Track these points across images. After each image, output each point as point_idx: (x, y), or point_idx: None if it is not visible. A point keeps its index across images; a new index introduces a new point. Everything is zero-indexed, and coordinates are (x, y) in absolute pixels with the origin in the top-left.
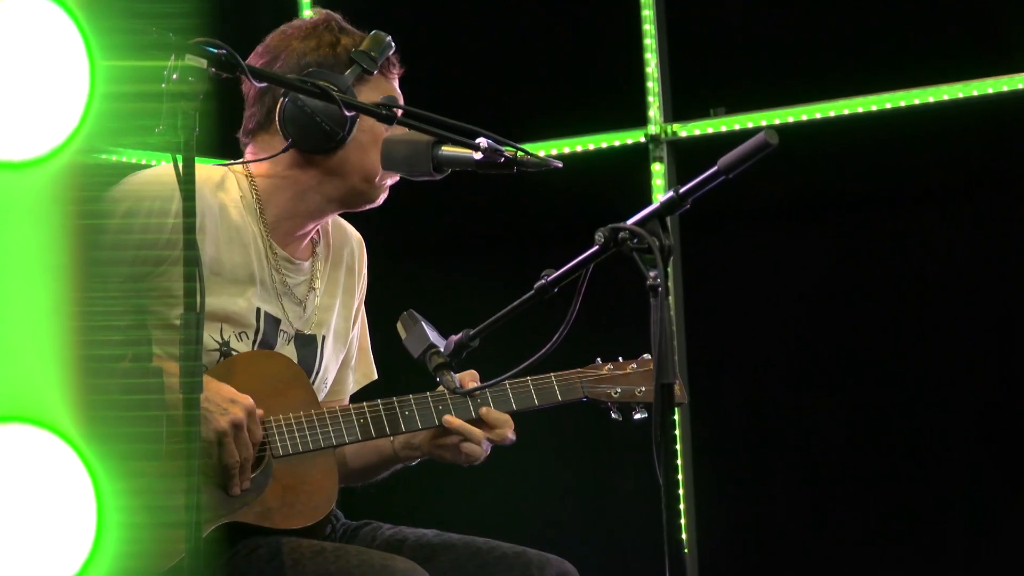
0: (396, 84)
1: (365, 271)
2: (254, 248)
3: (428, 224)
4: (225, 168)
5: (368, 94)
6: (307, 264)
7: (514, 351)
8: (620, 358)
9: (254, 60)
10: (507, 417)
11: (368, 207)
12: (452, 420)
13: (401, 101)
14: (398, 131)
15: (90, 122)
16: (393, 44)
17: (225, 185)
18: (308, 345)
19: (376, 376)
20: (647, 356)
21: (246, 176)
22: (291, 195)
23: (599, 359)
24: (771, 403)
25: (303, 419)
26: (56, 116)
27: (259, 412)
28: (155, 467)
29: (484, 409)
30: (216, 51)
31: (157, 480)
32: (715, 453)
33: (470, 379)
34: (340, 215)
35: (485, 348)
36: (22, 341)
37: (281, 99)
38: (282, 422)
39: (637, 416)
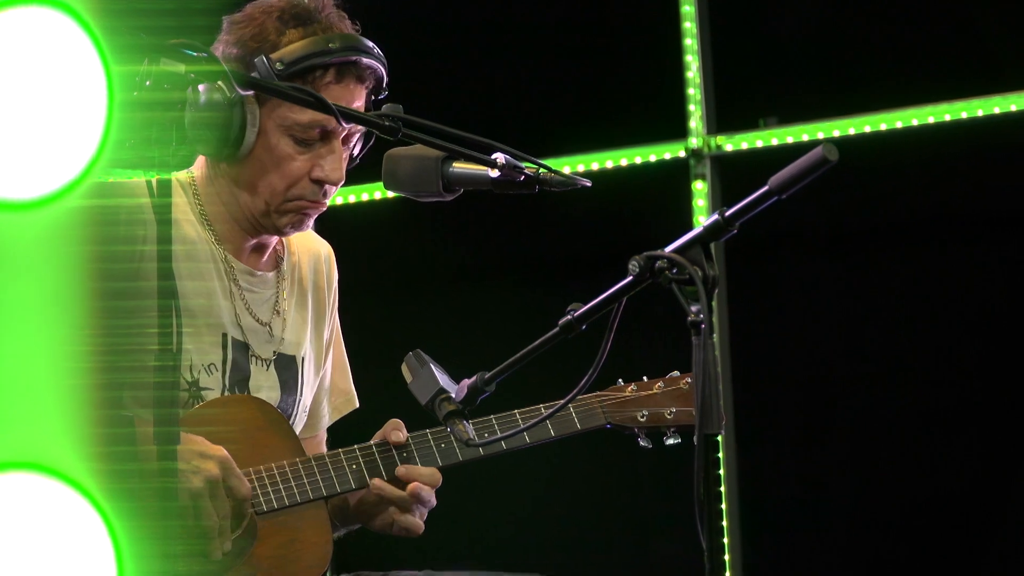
0: (348, 100)
1: (336, 286)
2: (212, 265)
3: (437, 251)
4: (174, 179)
5: (281, 112)
6: (271, 277)
7: (530, 392)
8: (644, 377)
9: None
10: (428, 470)
11: (280, 235)
12: (381, 485)
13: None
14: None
15: (109, 149)
16: (336, 54)
17: (176, 200)
18: (288, 367)
19: (357, 404)
20: (676, 373)
21: (190, 182)
22: (222, 203)
23: (620, 380)
24: (830, 455)
25: (287, 469)
26: (69, 146)
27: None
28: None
29: (401, 468)
30: (195, 54)
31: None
32: (766, 512)
33: (391, 428)
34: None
35: (499, 390)
36: (29, 385)
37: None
38: (263, 474)
39: (669, 442)
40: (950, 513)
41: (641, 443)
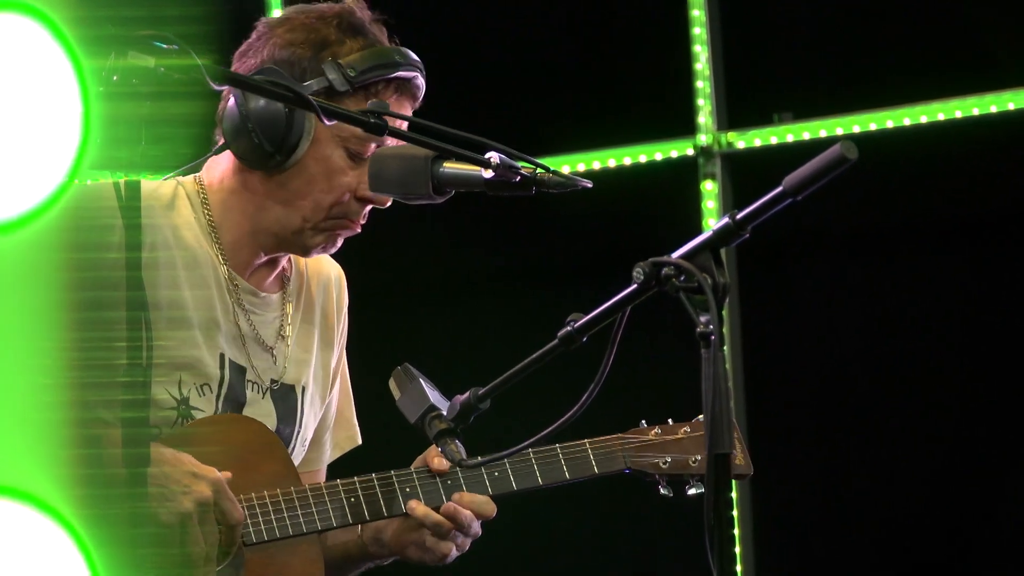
0: (391, 122)
1: (346, 315)
2: (214, 279)
3: (425, 257)
4: (175, 182)
5: (339, 125)
6: (276, 298)
7: (531, 413)
8: (670, 420)
9: (240, 52)
10: (483, 499)
11: (306, 255)
12: (416, 507)
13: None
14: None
15: (88, 154)
16: (398, 69)
17: (176, 204)
18: (287, 398)
19: (360, 441)
20: (702, 419)
21: (197, 190)
22: (242, 216)
23: (644, 421)
24: (851, 477)
25: (280, 498)
26: (45, 155)
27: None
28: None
29: (455, 495)
30: (166, 46)
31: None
32: (782, 539)
33: (434, 454)
34: None
35: (496, 407)
36: (6, 409)
37: (229, 95)
38: (255, 502)
39: (691, 492)
40: (978, 541)
41: (661, 491)
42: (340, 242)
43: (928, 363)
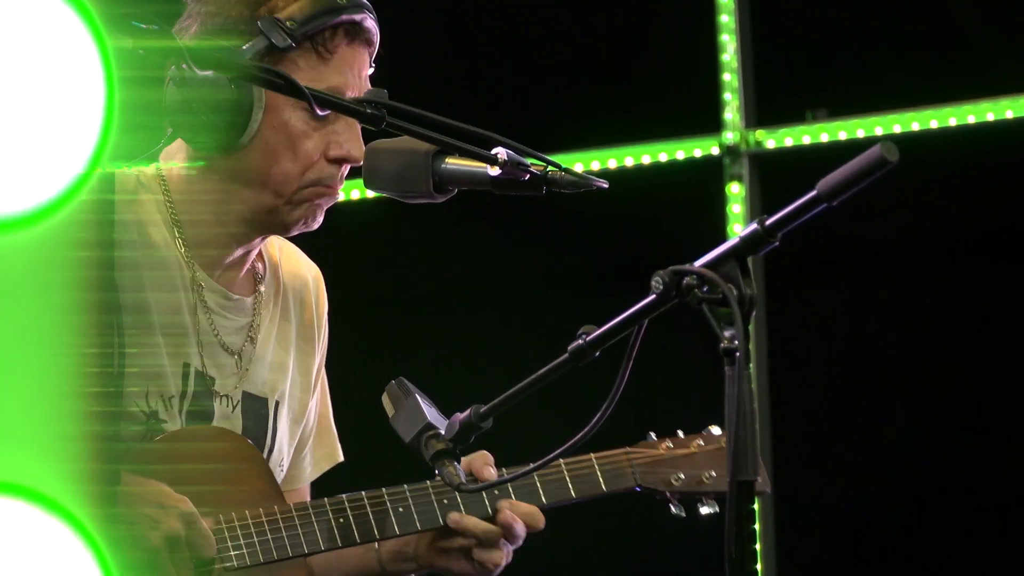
0: (351, 65)
1: (326, 319)
2: (179, 278)
3: (424, 261)
4: (134, 171)
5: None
6: (248, 301)
7: (536, 433)
8: (680, 432)
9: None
10: (534, 510)
11: (287, 233)
12: (461, 519)
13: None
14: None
15: (112, 138)
16: (340, 12)
17: (140, 197)
18: (257, 412)
19: (342, 458)
20: (715, 430)
21: (160, 184)
22: (208, 206)
23: (652, 434)
24: (884, 509)
25: (264, 519)
26: (65, 141)
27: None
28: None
29: (505, 503)
30: (144, 26)
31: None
32: (807, 562)
33: (482, 463)
34: (292, 241)
35: (499, 425)
36: (18, 408)
37: (168, 79)
38: (236, 523)
39: (705, 511)
40: (1015, 566)
41: (673, 510)
42: (321, 214)
43: (967, 382)
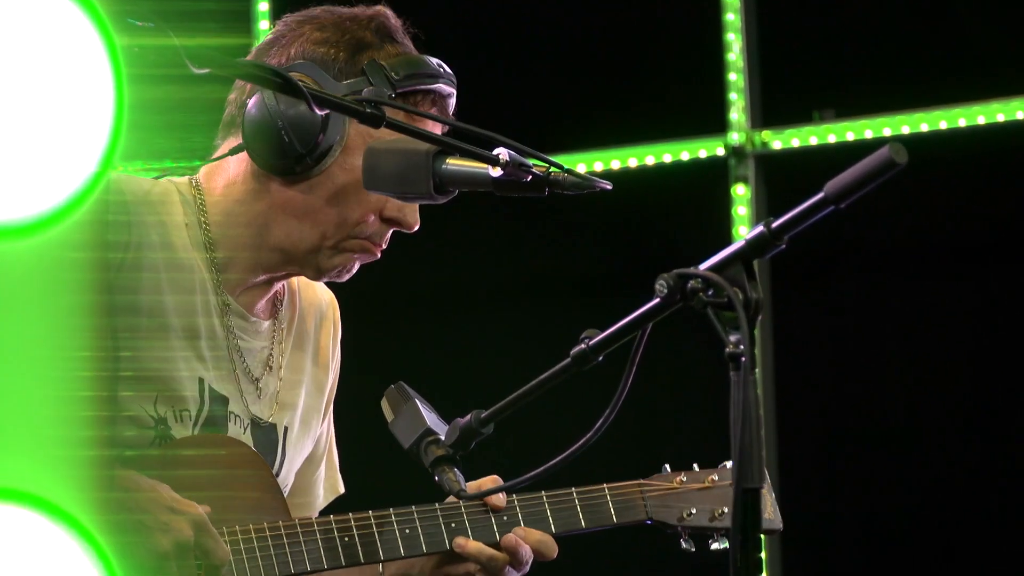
0: (428, 125)
1: (339, 347)
2: (200, 295)
3: (424, 264)
4: (168, 182)
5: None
6: (267, 325)
7: (538, 440)
8: (695, 465)
9: (262, 43)
10: (548, 538)
11: (317, 278)
12: (466, 544)
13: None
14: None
15: (121, 139)
16: (440, 79)
17: (167, 204)
18: (266, 437)
19: (343, 489)
20: (731, 450)
21: (193, 194)
22: (247, 228)
23: (667, 466)
24: (889, 514)
25: (267, 532)
26: (73, 143)
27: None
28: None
29: (519, 530)
30: (140, 24)
31: None
32: None
33: (491, 484)
34: None
35: (500, 433)
36: (20, 413)
37: (257, 93)
38: (238, 534)
39: (715, 546)
40: None
41: (683, 545)
42: (355, 269)
43: (978, 387)
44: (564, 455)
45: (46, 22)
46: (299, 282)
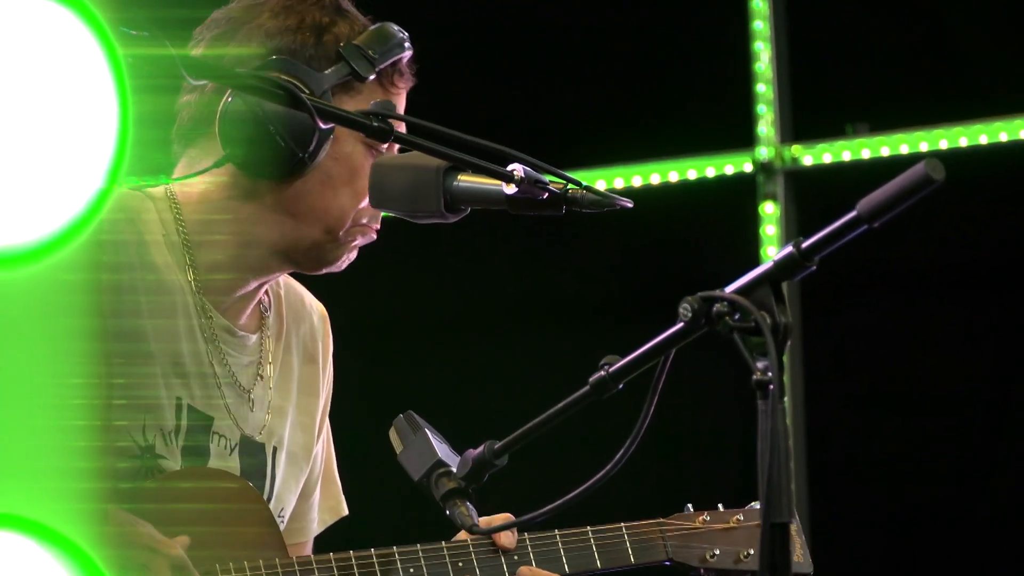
0: (401, 101)
1: (331, 361)
2: (181, 308)
3: (435, 286)
4: (141, 195)
5: (353, 107)
6: (254, 339)
7: (554, 473)
8: (720, 505)
9: (204, 31)
10: None
11: (317, 271)
12: None
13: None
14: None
15: (125, 158)
16: (407, 44)
17: (144, 217)
18: (255, 456)
19: (346, 511)
20: (758, 506)
21: (169, 204)
22: (230, 236)
23: (690, 505)
24: (921, 539)
25: (263, 571)
26: (76, 163)
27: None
28: None
29: (525, 570)
30: (134, 34)
31: None
32: None
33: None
34: (292, 275)
35: (514, 465)
36: (22, 441)
37: (227, 93)
38: (232, 574)
39: None
40: None
41: None
42: (354, 256)
43: (1014, 411)
44: (580, 490)
45: (48, 35)
46: (286, 294)
